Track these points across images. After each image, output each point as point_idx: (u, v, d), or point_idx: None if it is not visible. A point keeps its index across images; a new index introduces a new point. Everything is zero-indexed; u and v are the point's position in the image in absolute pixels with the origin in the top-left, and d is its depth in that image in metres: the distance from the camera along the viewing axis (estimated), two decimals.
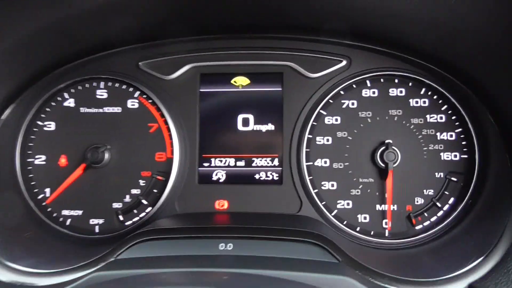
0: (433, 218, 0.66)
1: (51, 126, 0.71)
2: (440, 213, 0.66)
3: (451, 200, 0.65)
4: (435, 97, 0.67)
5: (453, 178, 0.66)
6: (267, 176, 0.69)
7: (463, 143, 0.66)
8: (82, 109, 0.71)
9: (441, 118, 0.67)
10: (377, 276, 0.51)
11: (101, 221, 0.69)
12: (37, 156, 0.71)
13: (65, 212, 0.70)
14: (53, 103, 0.71)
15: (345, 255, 0.57)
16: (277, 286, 0.39)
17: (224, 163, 0.70)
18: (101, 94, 0.71)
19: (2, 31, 0.57)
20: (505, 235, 0.56)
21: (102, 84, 0.72)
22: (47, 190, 0.70)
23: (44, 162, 0.70)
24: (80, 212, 0.70)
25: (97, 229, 0.69)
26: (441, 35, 0.59)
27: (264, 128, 0.70)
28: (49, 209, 0.69)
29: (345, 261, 0.54)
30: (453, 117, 0.67)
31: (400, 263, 0.60)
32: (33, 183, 0.70)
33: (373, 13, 0.61)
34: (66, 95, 0.71)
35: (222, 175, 0.69)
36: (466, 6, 0.50)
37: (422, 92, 0.68)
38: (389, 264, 0.60)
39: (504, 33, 0.50)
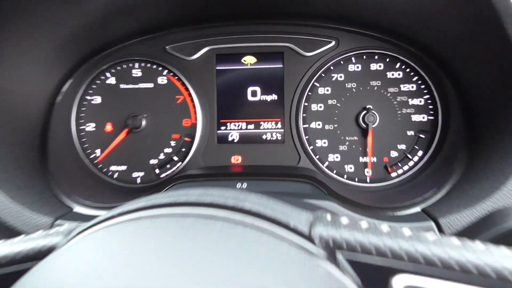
0: (405, 167, 0.79)
1: (98, 99, 0.84)
2: (410, 163, 0.79)
3: (420, 153, 0.79)
4: (407, 70, 0.79)
5: (421, 135, 0.79)
6: (272, 136, 0.83)
7: (430, 107, 0.79)
8: (122, 85, 0.84)
9: (412, 87, 0.79)
10: (354, 204, 0.67)
11: (141, 174, 0.84)
12: (88, 124, 0.84)
13: (113, 168, 0.84)
14: (98, 81, 0.84)
15: (332, 191, 0.73)
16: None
17: (238, 127, 0.83)
18: (136, 73, 0.84)
19: (61, 23, 0.71)
20: (454, 175, 0.71)
21: (136, 65, 0.84)
22: (97, 150, 0.84)
23: (94, 129, 0.84)
24: (124, 168, 0.84)
25: (138, 180, 0.83)
26: (410, 22, 0.72)
27: (269, 98, 0.83)
28: (100, 166, 0.84)
29: (331, 194, 0.71)
30: (422, 86, 0.79)
31: (374, 198, 0.76)
32: (86, 145, 0.84)
33: (356, 4, 0.75)
34: (108, 74, 0.84)
35: (236, 136, 0.83)
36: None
37: (397, 66, 0.79)
38: (366, 199, 0.76)
39: (461, 19, 0.63)
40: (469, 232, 0.55)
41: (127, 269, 0.25)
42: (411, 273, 0.27)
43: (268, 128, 0.82)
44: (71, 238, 0.34)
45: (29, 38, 0.64)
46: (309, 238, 0.30)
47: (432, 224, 0.59)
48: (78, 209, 0.70)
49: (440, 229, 0.58)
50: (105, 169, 0.84)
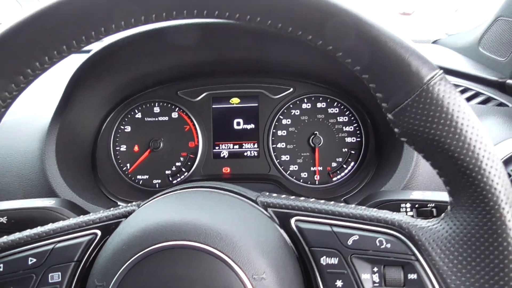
0: (342, 174, 1.10)
1: (128, 128, 1.14)
2: (346, 171, 1.10)
3: (352, 163, 1.11)
4: (342, 107, 1.10)
5: (352, 151, 1.10)
6: (251, 153, 1.13)
7: (357, 132, 1.10)
8: (146, 118, 1.13)
9: (345, 118, 1.10)
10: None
11: (159, 181, 1.12)
12: (121, 146, 1.13)
13: (139, 177, 1.12)
14: (129, 115, 1.13)
15: (288, 189, 1.08)
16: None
17: (227, 147, 1.13)
18: (156, 109, 1.15)
19: (126, 76, 1.06)
20: (368, 176, 1.07)
21: (156, 104, 1.14)
22: (128, 165, 1.13)
23: (125, 149, 1.13)
24: (147, 176, 1.12)
25: (157, 185, 1.12)
26: (334, 78, 1.11)
27: (249, 126, 1.13)
28: (130, 175, 1.13)
29: (287, 191, 1.04)
30: (352, 118, 1.10)
31: (320, 194, 1.08)
32: (120, 161, 1.13)
33: (304, 68, 1.12)
34: (136, 110, 1.13)
35: (226, 153, 1.13)
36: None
37: (334, 105, 1.11)
38: (315, 195, 1.10)
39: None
40: None
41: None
42: (302, 215, 0.45)
43: (248, 148, 1.12)
44: (143, 204, 0.48)
45: (103, 87, 1.00)
46: (255, 201, 0.47)
47: None
48: (120, 203, 1.04)
49: None
50: (133, 178, 1.12)
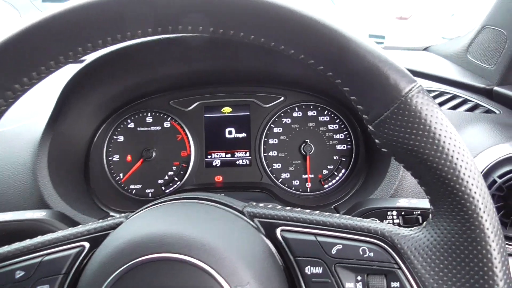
0: (333, 181, 1.11)
1: (121, 138, 1.14)
2: (337, 178, 1.12)
3: (343, 171, 1.13)
4: (332, 115, 1.12)
5: (343, 159, 1.12)
6: (243, 162, 1.14)
7: (348, 140, 1.11)
8: (138, 128, 1.14)
9: (335, 126, 1.12)
10: (294, 206, 1.03)
11: (152, 190, 1.12)
12: (114, 156, 1.14)
13: (132, 186, 1.12)
14: (122, 125, 1.14)
15: (278, 197, 1.08)
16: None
17: (219, 156, 1.14)
18: (149, 119, 1.16)
19: (101, 92, 1.07)
20: (358, 183, 1.09)
21: (149, 114, 1.14)
22: (121, 174, 1.14)
23: (118, 159, 1.14)
24: (140, 186, 1.12)
25: (150, 194, 1.13)
26: (323, 87, 1.12)
27: (240, 135, 1.14)
28: (122, 185, 1.14)
29: (277, 199, 1.06)
30: (342, 126, 1.11)
31: (312, 202, 1.10)
32: (112, 171, 1.13)
33: (292, 78, 1.13)
34: (129, 120, 1.15)
35: (219, 162, 1.15)
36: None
37: (325, 113, 1.12)
38: (307, 202, 1.11)
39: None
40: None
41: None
42: (287, 225, 0.45)
43: (240, 156, 1.13)
44: (131, 216, 0.48)
45: (96, 97, 1.01)
46: (241, 212, 0.47)
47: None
48: (112, 214, 1.05)
49: None
50: (126, 188, 1.13)
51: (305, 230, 0.44)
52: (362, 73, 0.37)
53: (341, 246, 0.42)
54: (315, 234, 0.44)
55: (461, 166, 0.36)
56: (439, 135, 0.36)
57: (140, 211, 0.48)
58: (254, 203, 0.49)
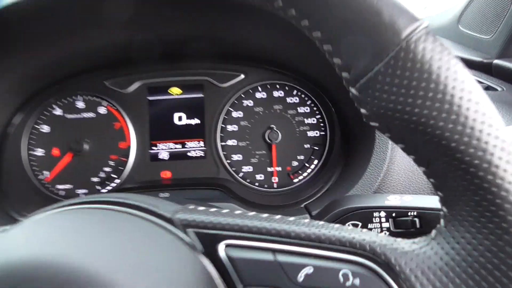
0: (304, 174, 0.95)
1: (46, 128, 0.95)
2: (308, 170, 0.95)
3: (315, 162, 0.96)
4: (302, 96, 0.97)
5: (315, 148, 0.96)
6: (196, 153, 0.97)
7: (321, 125, 0.96)
8: (67, 116, 0.96)
9: (306, 109, 0.96)
10: (255, 205, 0.84)
11: (85, 190, 0.95)
12: (37, 150, 0.95)
13: (60, 187, 0.94)
14: (46, 112, 0.96)
15: (237, 195, 0.89)
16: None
17: (167, 147, 0.97)
18: (80, 104, 0.97)
19: (30, 62, 0.84)
20: (333, 177, 0.90)
21: (80, 98, 0.97)
22: (46, 172, 0.95)
23: (43, 154, 0.95)
24: (70, 186, 0.95)
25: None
26: (295, 61, 0.92)
27: (192, 121, 0.97)
28: (47, 185, 0.95)
29: (236, 198, 0.86)
30: (314, 108, 0.96)
31: (279, 200, 0.91)
32: (35, 168, 0.94)
33: (255, 48, 0.94)
34: (55, 106, 0.96)
35: (166, 155, 0.97)
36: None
37: (294, 93, 0.97)
38: (274, 201, 0.92)
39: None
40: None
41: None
42: (234, 238, 0.33)
43: (192, 147, 0.97)
44: (9, 229, 0.45)
45: (7, 74, 0.78)
46: (170, 220, 0.35)
47: (308, 216, 0.77)
48: None
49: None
50: (52, 188, 0.95)
51: (261, 245, 0.32)
52: (341, 7, 0.26)
53: (311, 270, 0.31)
54: (274, 251, 0.32)
55: (494, 146, 0.25)
56: (460, 98, 0.25)
57: (23, 222, 0.35)
58: (192, 206, 0.37)
